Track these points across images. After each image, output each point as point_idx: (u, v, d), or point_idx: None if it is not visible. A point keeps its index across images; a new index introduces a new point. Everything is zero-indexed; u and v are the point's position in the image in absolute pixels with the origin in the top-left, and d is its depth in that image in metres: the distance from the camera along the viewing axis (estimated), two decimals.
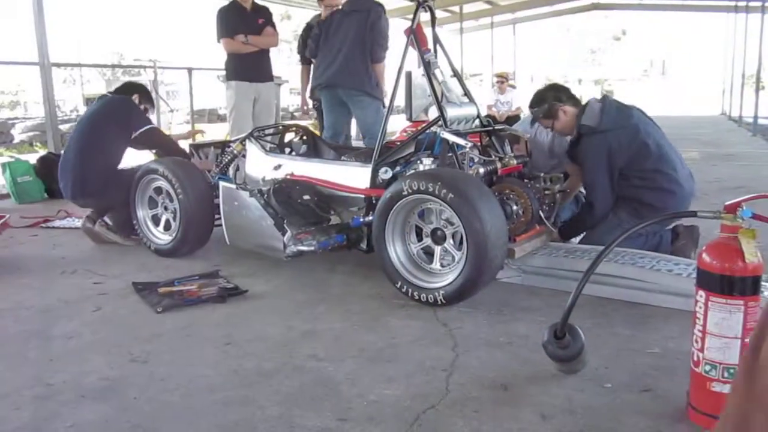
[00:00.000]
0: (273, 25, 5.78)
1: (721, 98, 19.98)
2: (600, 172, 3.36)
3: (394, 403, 2.03)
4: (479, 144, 3.43)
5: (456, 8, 17.83)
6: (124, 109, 4.29)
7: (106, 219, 4.20)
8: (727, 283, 1.75)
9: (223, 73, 7.89)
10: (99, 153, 4.11)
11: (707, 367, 1.82)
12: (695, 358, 1.86)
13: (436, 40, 3.46)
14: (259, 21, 5.64)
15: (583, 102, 3.58)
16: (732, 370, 1.78)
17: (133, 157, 4.64)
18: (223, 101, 8.37)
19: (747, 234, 1.74)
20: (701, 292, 1.82)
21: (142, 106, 4.45)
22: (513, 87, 11.14)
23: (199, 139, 5.22)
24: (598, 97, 3.66)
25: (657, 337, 2.50)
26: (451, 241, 2.95)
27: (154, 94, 7.54)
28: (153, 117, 4.74)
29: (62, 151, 4.53)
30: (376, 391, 2.11)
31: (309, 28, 5.79)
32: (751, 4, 14.36)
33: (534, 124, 3.78)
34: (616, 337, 2.51)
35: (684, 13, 27.26)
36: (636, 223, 2.16)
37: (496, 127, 3.48)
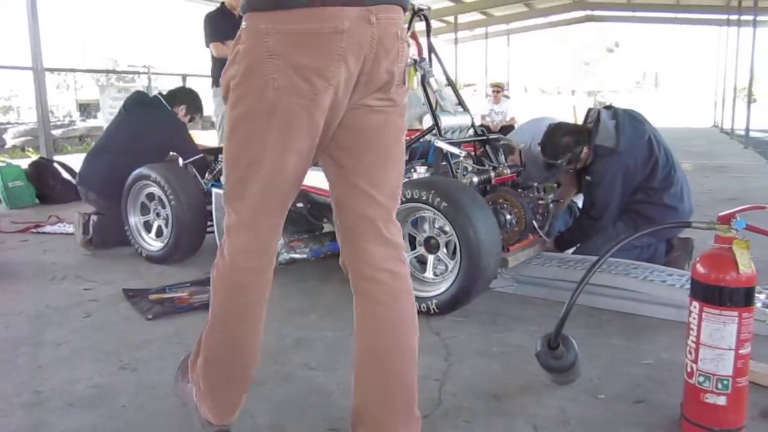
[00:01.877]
0: None
1: (714, 110, 20.13)
2: (615, 192, 3.30)
3: None
4: (473, 153, 3.43)
5: (451, 18, 17.96)
6: (175, 135, 4.30)
7: (93, 216, 4.14)
8: (721, 294, 1.74)
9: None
10: (137, 164, 3.98)
11: (701, 378, 1.81)
12: (689, 369, 1.85)
13: (431, 48, 3.47)
14: None
15: (582, 111, 3.50)
16: (726, 382, 1.77)
17: None
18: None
19: (741, 245, 1.74)
20: (695, 303, 1.81)
21: (188, 117, 4.49)
22: (507, 97, 11.19)
23: None
24: (602, 107, 3.52)
25: (651, 347, 2.49)
26: (445, 250, 2.94)
27: None
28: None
29: (98, 141, 4.50)
30: None
31: None
32: (743, 17, 14.50)
33: (551, 169, 3.56)
34: (610, 347, 2.51)
35: (677, 26, 27.50)
36: (631, 233, 2.15)
37: (490, 137, 3.48)
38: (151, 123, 4.28)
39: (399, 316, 1.62)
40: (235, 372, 1.71)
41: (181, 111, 4.44)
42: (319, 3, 1.40)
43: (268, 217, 1.59)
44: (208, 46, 5.62)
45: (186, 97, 4.59)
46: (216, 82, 5.75)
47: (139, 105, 4.44)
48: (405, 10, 1.59)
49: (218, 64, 5.61)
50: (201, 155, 4.30)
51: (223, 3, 5.75)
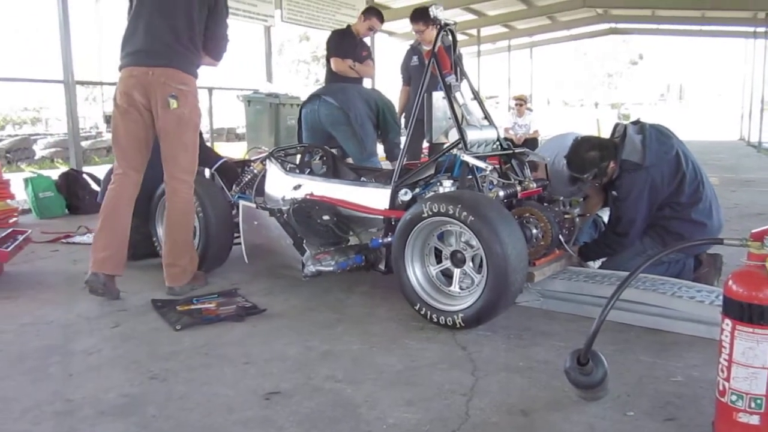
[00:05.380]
0: (372, 59, 6.26)
1: (740, 123, 19.87)
2: (642, 207, 3.26)
3: (414, 427, 2.02)
4: (499, 167, 3.43)
5: (474, 31, 17.98)
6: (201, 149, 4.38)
7: None
8: (754, 312, 1.72)
9: (243, 92, 8.02)
10: (159, 178, 3.90)
11: (733, 397, 1.79)
12: (721, 388, 1.83)
13: (458, 63, 3.49)
14: (363, 53, 6.01)
15: (608, 125, 3.48)
16: (759, 401, 1.75)
17: None
18: (242, 120, 8.49)
19: None
20: (727, 321, 1.79)
21: None
22: (530, 110, 11.15)
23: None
24: (628, 123, 3.49)
25: (680, 364, 2.46)
26: (471, 264, 2.94)
27: None
28: None
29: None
30: (395, 414, 2.10)
31: (412, 50, 6.20)
32: None
33: (577, 183, 3.53)
34: (639, 364, 2.48)
35: (702, 39, 27.25)
36: (662, 250, 2.14)
37: (516, 151, 3.48)
38: None
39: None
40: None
41: None
42: (129, 65, 3.44)
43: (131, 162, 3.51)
44: (328, 60, 5.89)
45: None
46: None
47: None
48: (180, 69, 3.40)
49: (334, 77, 5.80)
50: (224, 159, 4.35)
51: (349, 26, 6.11)
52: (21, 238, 4.05)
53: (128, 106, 3.40)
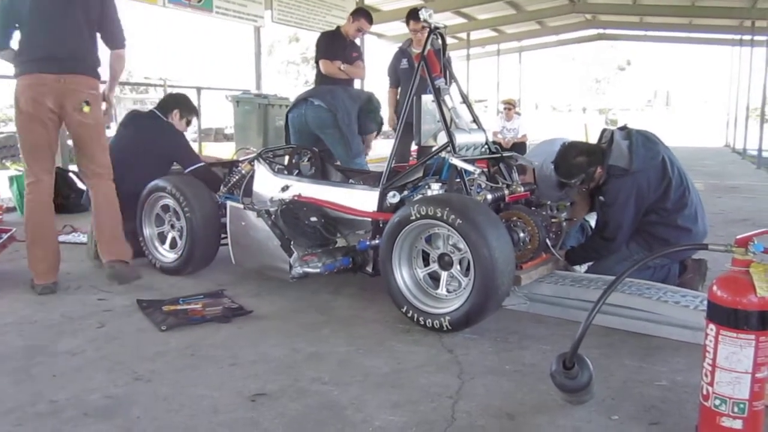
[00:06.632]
0: (363, 60, 6.19)
1: (725, 130, 20.06)
2: (628, 212, 3.28)
3: (400, 429, 2.02)
4: (487, 170, 3.44)
5: (463, 35, 18.05)
6: (177, 145, 4.36)
7: None
8: (738, 317, 1.74)
9: (231, 93, 8.01)
10: (140, 177, 4.04)
11: (717, 402, 1.80)
12: (704, 392, 1.85)
13: (447, 66, 3.49)
14: (353, 54, 5.98)
15: (594, 130, 3.51)
16: (742, 405, 1.76)
17: None
18: (231, 120, 8.49)
19: (758, 268, 1.74)
20: (711, 326, 1.81)
21: (184, 120, 4.53)
22: (519, 114, 11.20)
23: None
24: (615, 128, 3.50)
25: (665, 369, 2.48)
26: (458, 267, 2.94)
27: None
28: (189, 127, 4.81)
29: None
30: (381, 416, 2.10)
31: (401, 52, 6.12)
32: (757, 38, 14.48)
33: (564, 188, 3.55)
34: (623, 368, 2.50)
35: (689, 45, 27.50)
36: (647, 255, 2.15)
37: (504, 154, 3.50)
38: (151, 136, 4.33)
39: None
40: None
41: (175, 116, 4.48)
42: (36, 71, 3.47)
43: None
44: (317, 62, 5.86)
45: (176, 101, 4.64)
46: None
47: (136, 121, 4.49)
48: (88, 75, 3.61)
49: (324, 79, 5.78)
50: (202, 164, 4.33)
51: (338, 27, 6.07)
52: (5, 236, 4.02)
53: (36, 113, 3.49)
